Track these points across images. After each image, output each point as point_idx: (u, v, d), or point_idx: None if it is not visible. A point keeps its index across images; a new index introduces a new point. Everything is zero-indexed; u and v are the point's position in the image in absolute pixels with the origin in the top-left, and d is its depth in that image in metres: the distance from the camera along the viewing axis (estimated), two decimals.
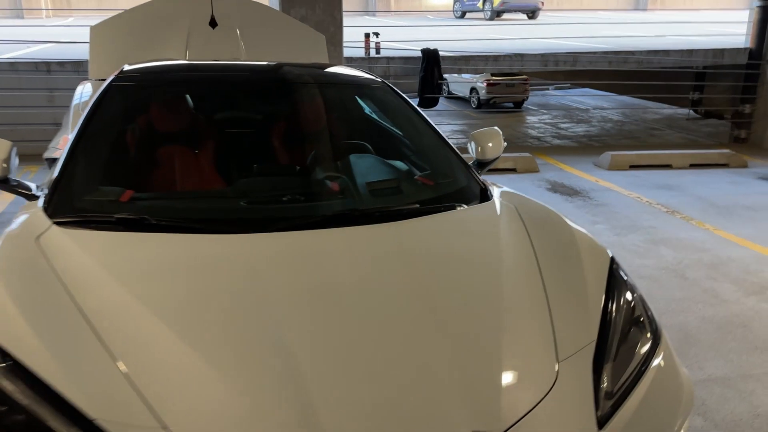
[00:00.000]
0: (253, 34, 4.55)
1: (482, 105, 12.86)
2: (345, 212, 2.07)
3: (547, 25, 17.45)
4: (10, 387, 1.32)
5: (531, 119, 12.15)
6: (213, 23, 4.50)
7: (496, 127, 2.83)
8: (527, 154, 7.36)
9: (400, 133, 2.89)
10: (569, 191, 6.30)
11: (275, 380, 1.36)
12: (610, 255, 1.97)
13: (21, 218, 2.01)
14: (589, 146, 9.28)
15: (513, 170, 7.08)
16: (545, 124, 11.58)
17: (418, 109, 2.85)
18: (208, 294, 1.61)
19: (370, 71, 3.21)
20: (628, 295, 1.82)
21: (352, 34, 7.32)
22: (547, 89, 16.56)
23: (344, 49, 6.78)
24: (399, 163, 2.62)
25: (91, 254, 1.76)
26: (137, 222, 1.91)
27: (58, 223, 1.92)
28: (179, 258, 1.78)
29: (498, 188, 2.45)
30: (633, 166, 7.31)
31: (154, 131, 2.61)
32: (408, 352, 1.48)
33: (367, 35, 7.32)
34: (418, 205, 2.14)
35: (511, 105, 13.28)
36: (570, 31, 12.84)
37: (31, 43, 9.82)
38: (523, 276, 1.80)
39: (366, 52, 7.34)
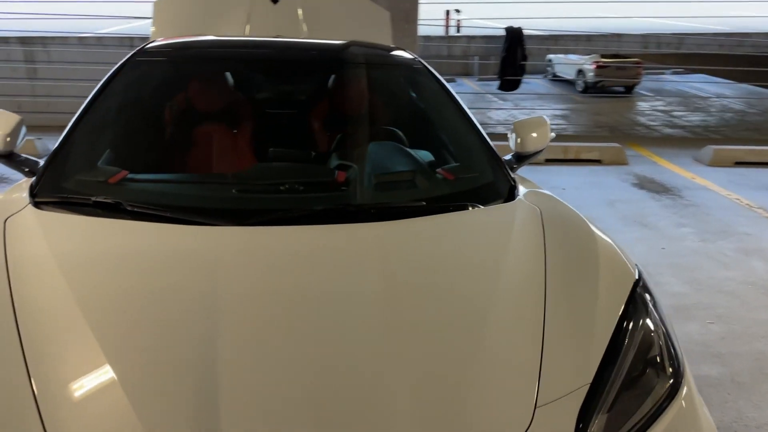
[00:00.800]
0: (315, 10, 4.40)
1: (589, 89, 12.01)
2: (338, 207, 1.83)
3: (654, 3, 16.16)
4: None
5: (642, 105, 11.23)
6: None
7: (544, 116, 2.51)
8: (615, 145, 6.80)
9: (435, 120, 2.62)
10: (658, 188, 5.74)
11: (181, 389, 1.21)
12: (636, 275, 1.62)
13: (4, 196, 1.94)
14: (695, 139, 8.49)
15: (598, 161, 6.57)
16: (657, 111, 10.70)
17: (455, 95, 2.57)
18: (147, 290, 1.46)
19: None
20: (649, 325, 1.48)
21: (432, 11, 7.02)
22: (663, 74, 15.39)
23: (422, 27, 6.50)
24: (425, 153, 2.34)
25: (48, 239, 1.64)
26: (113, 206, 1.76)
27: (37, 204, 1.82)
28: (137, 248, 1.63)
29: (528, 186, 2.14)
30: (738, 163, 6.58)
31: (163, 110, 2.47)
32: (353, 374, 1.26)
33: (447, 12, 6.98)
34: (424, 203, 1.87)
35: (621, 90, 12.37)
36: (681, 10, 11.80)
37: (132, 19, 10.21)
38: (522, 296, 1.50)
39: (446, 30, 7.02)
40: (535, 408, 1.25)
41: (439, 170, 2.18)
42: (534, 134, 2.38)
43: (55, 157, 2.04)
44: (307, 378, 1.24)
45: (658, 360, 1.46)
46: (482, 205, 1.92)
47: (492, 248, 1.72)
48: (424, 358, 1.31)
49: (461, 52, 7.03)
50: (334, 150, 2.32)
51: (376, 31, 4.47)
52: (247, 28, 4.32)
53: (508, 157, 2.42)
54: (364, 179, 2.05)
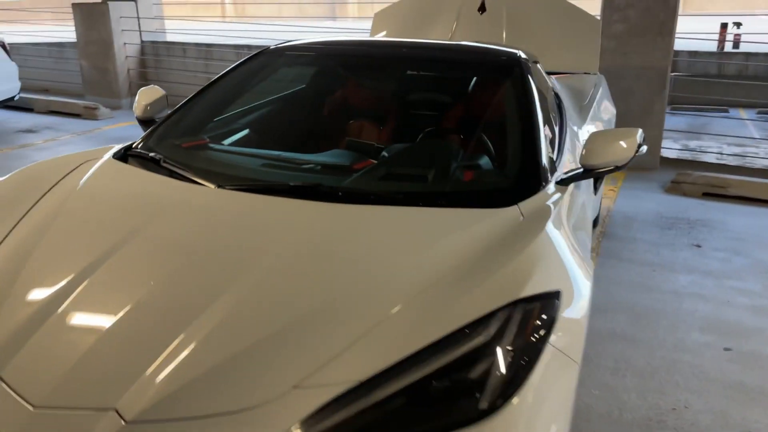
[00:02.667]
0: (521, 18, 4.19)
1: None
2: (324, 188, 1.93)
3: None
4: None
5: None
6: (482, 8, 4.29)
7: (637, 129, 2.26)
8: None
9: (508, 126, 2.41)
10: None
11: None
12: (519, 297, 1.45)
13: (107, 149, 2.35)
14: None
15: None
16: None
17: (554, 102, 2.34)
18: (144, 232, 1.73)
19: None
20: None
21: (699, 24, 6.06)
22: None
23: (686, 40, 5.69)
24: (485, 160, 2.27)
25: (95, 177, 2.04)
26: (154, 161, 2.13)
27: (115, 155, 2.22)
28: (150, 196, 1.98)
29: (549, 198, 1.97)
30: None
31: (262, 96, 2.86)
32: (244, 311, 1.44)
33: (724, 25, 5.94)
34: (401, 196, 1.93)
35: None
36: None
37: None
38: (402, 286, 1.50)
39: (719, 46, 5.99)
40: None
41: (466, 172, 2.17)
42: (607, 148, 2.14)
43: (155, 124, 2.45)
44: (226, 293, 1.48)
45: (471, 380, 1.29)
46: (470, 207, 1.85)
47: (425, 242, 1.69)
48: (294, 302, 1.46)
49: (736, 71, 5.95)
50: (390, 145, 2.42)
51: (583, 38, 4.11)
52: (452, 35, 4.31)
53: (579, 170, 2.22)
54: (376, 171, 2.13)
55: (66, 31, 9.30)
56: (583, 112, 3.38)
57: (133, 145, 2.32)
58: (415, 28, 4.44)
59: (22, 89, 7.84)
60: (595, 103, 3.57)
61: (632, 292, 3.31)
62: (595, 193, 3.47)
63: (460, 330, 1.33)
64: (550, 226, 1.77)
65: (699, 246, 3.97)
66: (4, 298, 1.51)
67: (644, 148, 2.28)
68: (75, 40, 8.52)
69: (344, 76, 2.91)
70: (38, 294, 1.51)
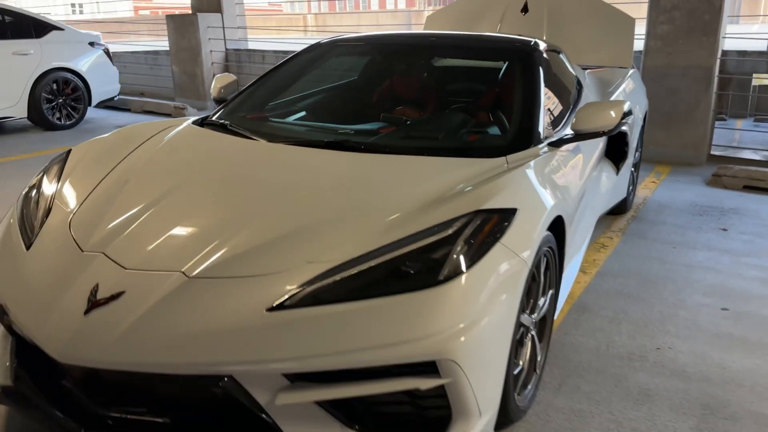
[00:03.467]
0: (560, 17, 4.54)
1: None
2: (358, 143, 2.48)
3: None
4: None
5: None
6: (525, 9, 4.66)
7: (625, 101, 2.65)
8: None
9: (519, 104, 2.78)
10: None
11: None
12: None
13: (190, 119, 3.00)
14: None
15: None
16: None
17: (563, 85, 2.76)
18: (212, 168, 2.35)
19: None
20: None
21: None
22: None
23: (735, 40, 5.84)
24: (494, 125, 2.77)
25: (176, 136, 2.66)
26: (223, 126, 2.76)
27: (194, 123, 2.85)
28: (222, 149, 2.54)
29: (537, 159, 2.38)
30: None
31: (325, 83, 3.42)
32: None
33: None
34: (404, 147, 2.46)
35: None
36: None
37: None
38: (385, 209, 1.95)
39: None
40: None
41: (472, 135, 2.67)
42: (595, 114, 2.56)
43: (227, 101, 3.07)
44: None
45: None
46: (464, 157, 2.31)
47: (422, 177, 2.15)
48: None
49: None
50: (419, 116, 2.93)
51: (618, 35, 4.41)
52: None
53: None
54: (397, 134, 2.65)
55: (161, 43, 10.30)
56: (604, 98, 3.71)
57: (208, 117, 2.91)
58: (463, 28, 4.87)
59: (122, 92, 8.81)
60: (618, 91, 3.88)
61: (647, 263, 3.59)
62: (617, 173, 3.78)
63: (431, 228, 1.77)
64: (524, 169, 2.17)
65: (725, 230, 4.16)
66: (107, 209, 2.07)
67: (631, 118, 2.62)
68: (168, 48, 9.46)
69: (381, 62, 3.41)
70: (132, 204, 2.07)
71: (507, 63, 3.12)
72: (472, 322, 1.62)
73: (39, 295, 1.80)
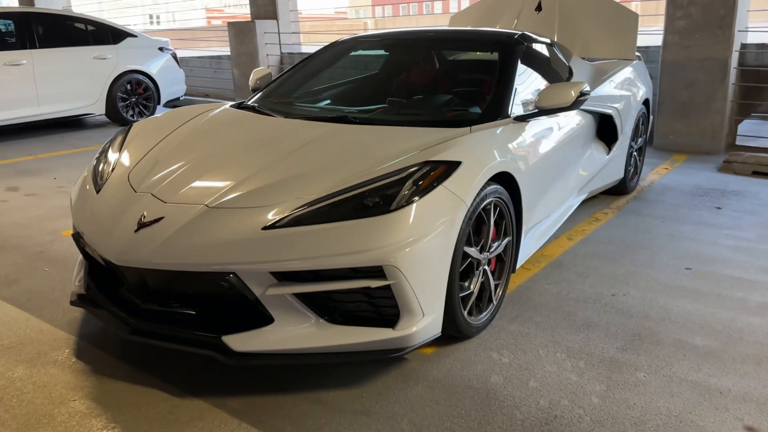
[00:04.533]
0: (570, 15, 4.96)
1: None
2: (350, 117, 3.11)
3: None
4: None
5: None
6: (539, 8, 5.12)
7: (583, 83, 3.09)
8: None
9: (493, 81, 3.31)
10: None
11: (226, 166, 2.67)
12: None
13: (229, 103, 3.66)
14: None
15: None
16: None
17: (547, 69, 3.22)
18: (224, 136, 2.99)
19: None
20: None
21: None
22: None
23: (748, 33, 6.06)
24: (465, 103, 3.32)
25: (216, 114, 3.34)
26: (253, 108, 3.41)
27: (231, 106, 3.50)
28: (249, 122, 3.19)
29: (499, 128, 2.91)
30: None
31: (339, 73, 3.99)
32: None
33: None
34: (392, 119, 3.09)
35: None
36: None
37: None
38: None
39: None
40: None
41: (450, 112, 3.20)
42: (554, 93, 3.05)
43: (259, 90, 3.66)
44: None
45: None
46: (437, 127, 2.85)
47: (396, 140, 2.71)
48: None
49: None
50: (412, 98, 3.50)
51: (622, 30, 4.78)
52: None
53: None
54: (388, 111, 3.24)
55: (224, 49, 11.19)
56: (594, 84, 4.14)
57: (242, 102, 3.55)
58: (483, 24, 5.37)
59: (189, 93, 9.69)
60: (609, 80, 4.29)
61: (632, 233, 3.98)
62: (607, 154, 4.19)
63: (390, 173, 2.31)
64: (478, 134, 2.68)
65: (719, 208, 4.48)
66: (156, 165, 2.71)
67: (587, 97, 3.06)
68: (229, 53, 10.30)
69: (387, 54, 3.99)
70: (174, 162, 2.71)
71: (490, 53, 3.62)
72: (413, 240, 2.15)
73: (104, 222, 2.45)
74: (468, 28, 4.71)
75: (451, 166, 2.37)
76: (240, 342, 2.15)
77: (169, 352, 2.49)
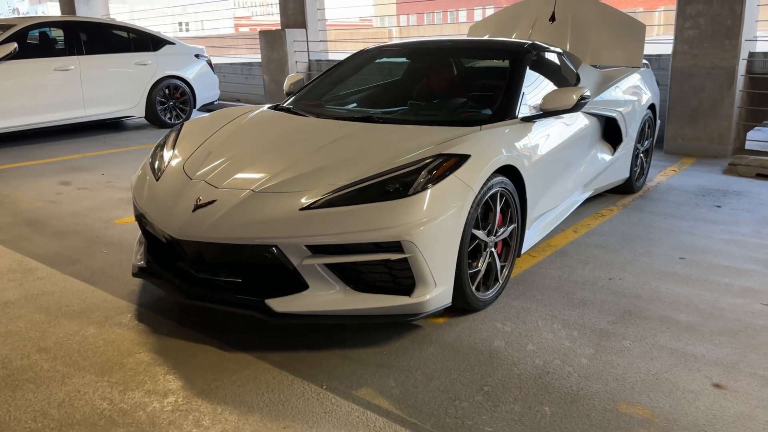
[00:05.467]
0: (582, 24, 5.31)
1: None
2: (374, 117, 3.53)
3: None
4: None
5: None
6: (552, 18, 5.47)
7: (584, 88, 3.33)
8: None
9: (510, 92, 3.65)
10: None
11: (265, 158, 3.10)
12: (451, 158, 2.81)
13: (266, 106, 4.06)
14: None
15: None
16: None
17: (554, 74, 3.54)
18: (264, 133, 3.42)
19: None
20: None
21: None
22: None
23: (757, 43, 6.34)
24: (478, 106, 3.70)
25: (256, 114, 3.76)
26: (288, 109, 3.85)
27: (273, 108, 3.88)
28: (284, 121, 3.61)
29: (505, 128, 3.27)
30: None
31: (365, 77, 4.41)
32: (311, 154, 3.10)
33: None
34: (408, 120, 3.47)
35: None
36: None
37: None
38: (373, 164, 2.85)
39: None
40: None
41: (464, 113, 3.61)
42: (557, 97, 3.41)
43: (297, 93, 4.04)
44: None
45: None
46: (452, 126, 3.25)
47: (414, 137, 3.10)
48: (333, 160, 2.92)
49: None
50: (429, 102, 3.91)
51: (630, 39, 5.10)
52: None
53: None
54: (408, 112, 3.67)
55: (254, 56, 11.70)
56: (600, 89, 4.48)
57: (279, 104, 3.97)
58: (500, 35, 5.73)
59: (222, 98, 10.19)
60: (614, 86, 4.63)
61: (634, 227, 4.30)
62: (612, 155, 4.52)
63: (408, 163, 2.70)
64: (487, 132, 3.06)
65: (719, 206, 4.78)
66: (207, 157, 3.13)
67: (587, 101, 3.41)
68: (260, 60, 10.80)
69: (409, 62, 4.39)
70: (223, 154, 3.12)
71: (502, 61, 3.99)
72: (427, 221, 2.53)
73: (165, 204, 2.88)
74: (483, 38, 5.09)
75: (462, 159, 2.75)
76: (281, 304, 2.55)
77: (218, 317, 2.91)
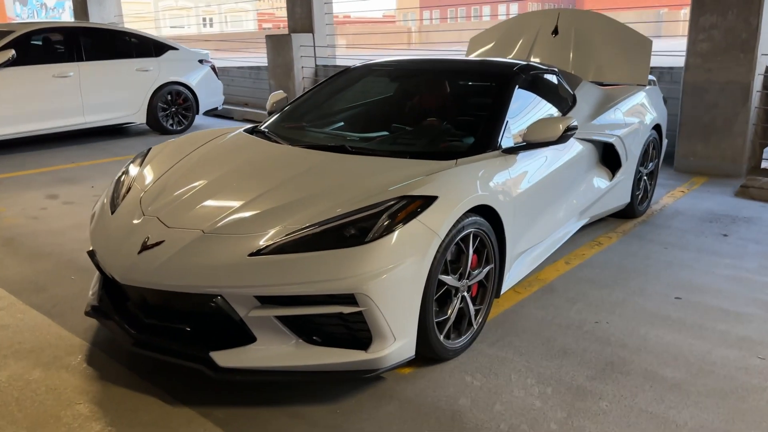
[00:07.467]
0: (586, 38, 5.06)
1: None
2: (347, 147, 3.28)
3: None
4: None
5: None
6: (555, 32, 5.23)
7: (571, 118, 3.08)
8: None
9: (494, 116, 3.42)
10: None
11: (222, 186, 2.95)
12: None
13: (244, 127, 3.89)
14: None
15: None
16: None
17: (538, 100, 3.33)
18: (231, 162, 3.22)
19: None
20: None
21: None
22: None
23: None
24: (468, 138, 3.37)
25: (229, 139, 3.61)
26: (263, 132, 3.67)
27: (250, 131, 3.75)
28: (257, 148, 3.42)
29: (480, 163, 3.02)
30: None
31: (347, 100, 4.20)
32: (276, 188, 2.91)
33: None
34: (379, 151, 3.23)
35: None
36: None
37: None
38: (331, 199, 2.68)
39: None
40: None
41: (443, 143, 3.37)
42: (542, 128, 3.16)
43: (278, 115, 3.91)
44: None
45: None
46: (427, 159, 3.04)
47: (383, 172, 2.90)
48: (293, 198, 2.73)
49: None
50: (403, 128, 3.68)
51: (635, 57, 4.85)
52: (530, 56, 5.31)
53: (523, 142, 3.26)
54: (385, 141, 3.45)
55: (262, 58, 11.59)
56: (599, 111, 4.23)
57: (256, 127, 3.79)
58: (501, 48, 5.50)
59: (230, 102, 10.05)
60: (615, 107, 4.37)
61: (631, 259, 4.05)
62: (610, 180, 4.27)
63: (368, 206, 2.50)
64: (463, 168, 2.84)
65: (726, 235, 4.50)
66: (166, 189, 2.97)
67: (574, 132, 3.18)
68: (267, 64, 10.66)
69: (396, 82, 4.16)
70: (181, 186, 2.95)
71: (487, 84, 3.77)
72: (384, 270, 2.33)
73: (113, 242, 2.72)
74: (473, 57, 4.85)
75: (428, 201, 2.54)
76: (225, 358, 2.38)
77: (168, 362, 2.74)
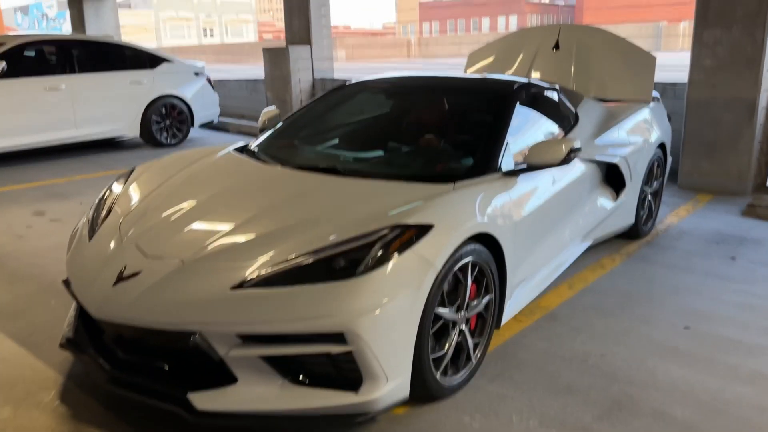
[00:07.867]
0: (587, 54, 4.92)
1: None
2: (340, 169, 3.13)
3: None
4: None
5: None
6: (556, 46, 5.09)
7: (575, 140, 2.95)
8: None
9: (485, 133, 3.29)
10: None
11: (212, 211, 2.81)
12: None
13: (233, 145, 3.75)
14: None
15: None
16: None
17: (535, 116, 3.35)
18: (217, 184, 3.05)
19: None
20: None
21: None
22: None
23: None
24: (467, 159, 3.20)
25: (215, 159, 3.45)
26: (252, 152, 3.51)
27: (238, 150, 3.61)
28: (247, 169, 3.26)
29: (480, 187, 2.85)
30: None
31: (341, 117, 4.05)
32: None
33: None
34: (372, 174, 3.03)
35: None
36: None
37: None
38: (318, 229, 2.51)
39: None
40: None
41: (439, 164, 3.21)
42: (543, 150, 3.01)
43: (268, 133, 3.77)
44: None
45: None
46: (423, 182, 2.87)
47: (378, 196, 2.75)
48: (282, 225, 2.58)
49: None
50: (399, 147, 3.54)
51: (639, 72, 4.71)
52: (530, 71, 5.18)
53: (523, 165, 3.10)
54: (380, 162, 3.31)
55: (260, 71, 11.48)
56: (602, 129, 4.08)
57: (246, 146, 3.63)
58: (501, 62, 5.36)
59: (227, 114, 9.91)
60: (618, 125, 4.22)
61: (636, 283, 3.89)
62: (614, 201, 4.12)
63: (359, 236, 2.34)
64: (460, 193, 2.68)
65: (734, 258, 4.34)
66: (147, 214, 2.81)
67: (577, 154, 3.03)
68: (264, 77, 10.54)
69: (391, 100, 4.02)
70: (163, 211, 2.80)
71: (486, 102, 3.62)
72: (375, 306, 2.17)
73: (88, 272, 2.56)
74: (470, 75, 4.71)
75: (422, 230, 2.39)
76: (204, 400, 2.21)
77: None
